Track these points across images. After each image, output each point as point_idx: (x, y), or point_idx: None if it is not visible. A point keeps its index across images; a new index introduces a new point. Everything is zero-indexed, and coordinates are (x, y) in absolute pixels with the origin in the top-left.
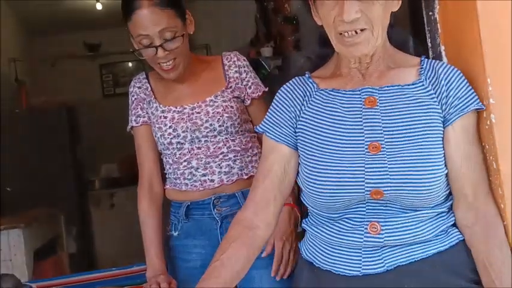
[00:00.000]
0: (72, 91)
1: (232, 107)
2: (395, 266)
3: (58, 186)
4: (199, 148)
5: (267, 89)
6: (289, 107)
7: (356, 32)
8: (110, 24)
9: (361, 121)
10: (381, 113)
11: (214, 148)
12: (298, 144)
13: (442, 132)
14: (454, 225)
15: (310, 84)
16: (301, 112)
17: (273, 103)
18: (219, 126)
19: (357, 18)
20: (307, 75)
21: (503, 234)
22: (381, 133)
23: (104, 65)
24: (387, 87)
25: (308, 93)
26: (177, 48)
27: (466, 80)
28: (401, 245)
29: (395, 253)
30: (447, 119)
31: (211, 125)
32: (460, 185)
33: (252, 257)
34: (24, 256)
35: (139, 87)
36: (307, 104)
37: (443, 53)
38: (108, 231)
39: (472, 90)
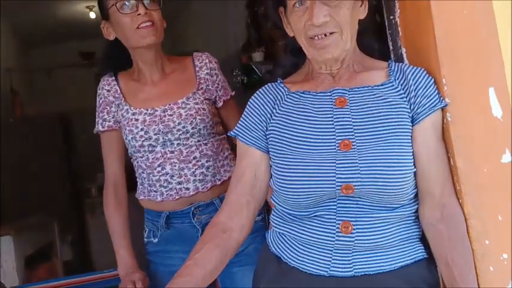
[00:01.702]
0: (67, 100)
1: (204, 109)
2: (363, 273)
3: (53, 194)
4: (172, 152)
5: (233, 93)
6: (260, 111)
7: (325, 35)
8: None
9: (332, 121)
10: (351, 112)
11: (187, 152)
12: (269, 145)
13: (410, 131)
14: (420, 239)
15: (281, 89)
16: (272, 115)
17: (246, 108)
18: (192, 128)
19: (325, 21)
20: (279, 81)
21: (465, 231)
22: (352, 131)
23: (99, 74)
24: (357, 88)
25: (279, 97)
26: (155, 12)
27: (432, 79)
28: (371, 250)
29: (365, 260)
30: (416, 118)
31: (184, 127)
32: (427, 182)
33: (225, 258)
34: (14, 262)
35: (108, 90)
36: (278, 107)
37: (404, 55)
38: (104, 238)
39: (437, 90)
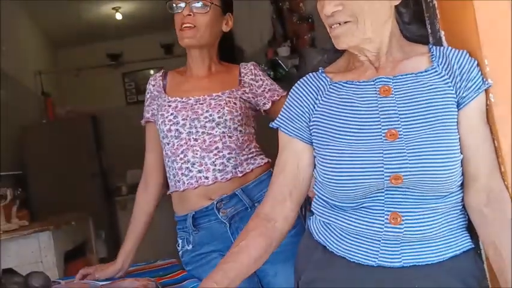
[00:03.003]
0: (96, 100)
1: (235, 103)
2: (411, 264)
3: (86, 192)
4: (196, 140)
5: (285, 93)
6: (303, 102)
7: (340, 24)
8: (130, 34)
9: (377, 110)
10: (396, 101)
11: (210, 142)
12: (313, 137)
13: (456, 116)
14: (467, 228)
15: (323, 79)
16: (315, 106)
17: (287, 99)
18: (218, 117)
19: (336, 11)
20: (320, 71)
21: (510, 213)
22: (398, 120)
23: (126, 73)
24: (401, 75)
25: (322, 87)
26: (201, 16)
27: (475, 61)
28: (420, 241)
29: (414, 250)
30: (461, 102)
31: (210, 115)
32: (474, 167)
33: (269, 248)
34: (54, 257)
35: (153, 85)
36: (321, 98)
37: (443, 38)
38: None
39: (480, 71)
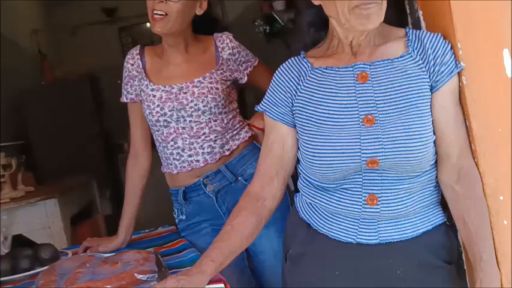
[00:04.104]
0: (93, 58)
1: (217, 88)
2: (387, 241)
3: (88, 154)
4: (183, 128)
5: (257, 62)
6: (286, 87)
7: (370, 4)
8: None
9: (354, 96)
10: (373, 87)
11: (197, 128)
12: (296, 121)
13: (430, 99)
14: (439, 203)
15: (305, 64)
16: (297, 91)
17: (271, 83)
18: (203, 106)
19: None
20: (302, 55)
21: (481, 190)
22: (374, 106)
23: (123, 28)
24: (378, 62)
25: (303, 73)
26: (173, 3)
27: (449, 45)
28: (395, 219)
29: (390, 228)
30: (434, 86)
31: (195, 104)
32: (446, 146)
33: (260, 225)
34: (61, 222)
35: (132, 64)
36: (302, 83)
37: (421, 18)
38: None
39: (454, 55)
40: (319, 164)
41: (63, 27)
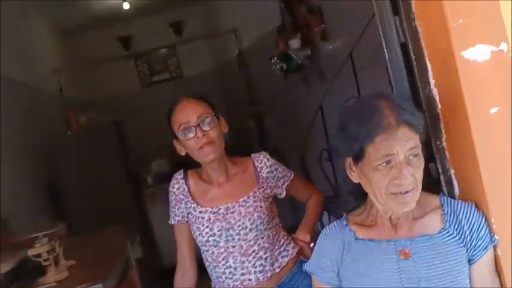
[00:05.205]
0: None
1: (261, 206)
2: None
3: (117, 198)
4: (233, 247)
5: (292, 175)
6: (332, 255)
7: (407, 192)
8: (139, 16)
9: (398, 272)
10: (416, 264)
11: (246, 246)
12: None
13: (468, 271)
14: None
15: (348, 233)
16: (342, 260)
17: (317, 246)
18: (250, 224)
19: (412, 181)
20: (344, 223)
21: None
22: (418, 282)
23: (139, 56)
24: (418, 238)
25: (347, 242)
26: (212, 131)
27: (483, 217)
28: None
29: None
30: (472, 259)
31: (243, 223)
32: None
33: None
34: None
35: (177, 188)
36: (347, 252)
37: (453, 177)
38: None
39: (488, 227)
40: None
41: (83, 64)
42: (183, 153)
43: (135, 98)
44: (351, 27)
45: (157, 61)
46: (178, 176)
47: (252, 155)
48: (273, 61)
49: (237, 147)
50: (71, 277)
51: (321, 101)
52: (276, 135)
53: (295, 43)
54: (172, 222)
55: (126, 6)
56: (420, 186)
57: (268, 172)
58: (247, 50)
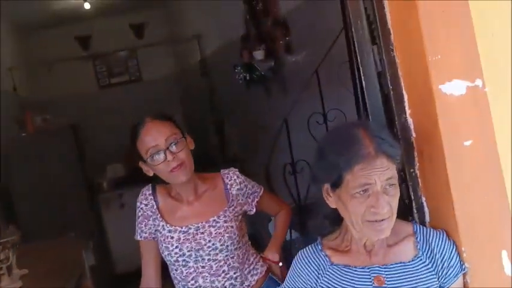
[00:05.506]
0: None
1: (232, 226)
2: None
3: (70, 203)
4: (203, 267)
5: (262, 191)
6: (306, 280)
7: (382, 220)
8: (99, 16)
9: None
10: None
11: (216, 267)
12: None
13: None
14: None
15: (323, 258)
16: (317, 285)
17: (290, 271)
18: (221, 245)
19: (388, 209)
20: (319, 247)
21: None
22: None
23: (97, 57)
24: (392, 265)
25: (322, 267)
26: (181, 153)
27: (454, 246)
28: None
29: None
30: (442, 287)
31: (213, 244)
32: None
33: None
34: None
35: (146, 205)
36: (322, 277)
37: (424, 204)
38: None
39: (459, 255)
40: None
41: (39, 63)
42: (150, 174)
43: (92, 99)
44: (314, 41)
45: (117, 63)
46: (147, 191)
47: (222, 171)
48: (236, 70)
49: (197, 155)
50: (24, 287)
51: (287, 113)
52: (236, 144)
53: (259, 54)
54: (139, 238)
55: (87, 6)
56: (395, 214)
57: (238, 189)
58: (210, 57)
